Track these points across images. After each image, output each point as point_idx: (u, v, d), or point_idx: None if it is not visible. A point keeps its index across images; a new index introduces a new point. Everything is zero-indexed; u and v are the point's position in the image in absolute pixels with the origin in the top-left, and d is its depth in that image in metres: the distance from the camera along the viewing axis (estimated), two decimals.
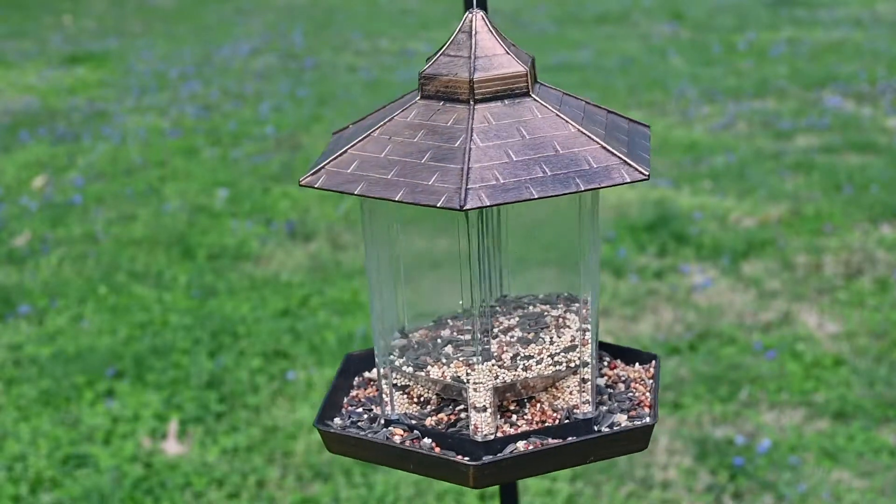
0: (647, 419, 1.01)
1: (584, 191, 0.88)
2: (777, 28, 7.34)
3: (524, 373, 1.01)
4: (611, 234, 3.82)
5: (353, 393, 1.11)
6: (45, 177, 4.75)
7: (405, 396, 1.04)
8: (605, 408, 1.05)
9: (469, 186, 0.85)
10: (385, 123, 0.93)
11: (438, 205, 0.84)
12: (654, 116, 5.36)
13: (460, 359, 1.00)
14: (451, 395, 1.03)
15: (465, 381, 0.99)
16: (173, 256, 3.82)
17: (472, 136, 0.89)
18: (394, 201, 0.87)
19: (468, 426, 1.00)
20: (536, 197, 0.86)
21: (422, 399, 1.04)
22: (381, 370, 1.03)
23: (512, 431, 1.00)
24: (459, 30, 0.95)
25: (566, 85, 6.02)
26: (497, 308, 1.06)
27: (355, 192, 0.88)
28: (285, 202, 4.33)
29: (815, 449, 2.59)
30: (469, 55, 0.93)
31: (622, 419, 1.02)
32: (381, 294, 1.02)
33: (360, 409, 1.08)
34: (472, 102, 0.92)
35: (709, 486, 2.46)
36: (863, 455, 2.56)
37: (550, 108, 0.94)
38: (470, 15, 0.96)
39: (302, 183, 0.90)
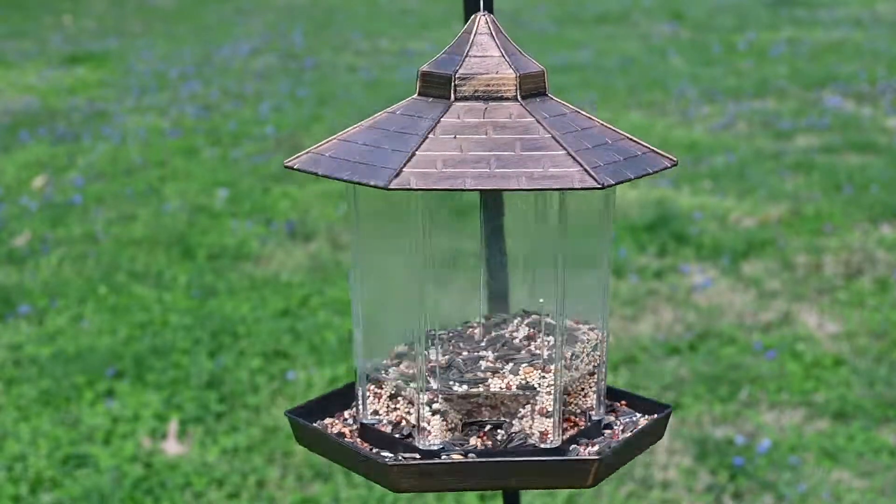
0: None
1: (651, 174, 0.91)
2: (777, 28, 7.34)
3: (574, 373, 1.00)
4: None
5: (349, 442, 1.05)
6: (45, 177, 4.76)
7: (443, 422, 1.00)
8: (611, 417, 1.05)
9: (590, 167, 0.87)
10: (436, 126, 0.92)
11: (577, 186, 0.86)
12: (654, 116, 5.36)
13: (527, 364, 0.97)
14: (478, 418, 1.01)
15: (537, 386, 0.97)
16: (173, 256, 3.82)
17: (546, 126, 0.91)
18: (519, 191, 0.87)
19: (526, 438, 0.98)
20: (633, 178, 0.90)
21: (453, 425, 1.01)
22: (424, 397, 0.98)
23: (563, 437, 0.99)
24: (476, 32, 0.96)
25: (566, 85, 6.02)
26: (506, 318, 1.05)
27: (468, 188, 0.87)
28: (285, 202, 4.33)
29: (815, 449, 2.59)
30: (502, 54, 0.94)
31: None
32: (420, 311, 0.98)
33: (372, 450, 1.02)
34: (519, 98, 0.93)
35: (709, 486, 2.46)
36: (863, 455, 2.56)
37: (571, 105, 0.97)
38: (481, 16, 0.97)
39: (392, 187, 0.86)
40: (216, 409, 2.83)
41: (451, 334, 1.04)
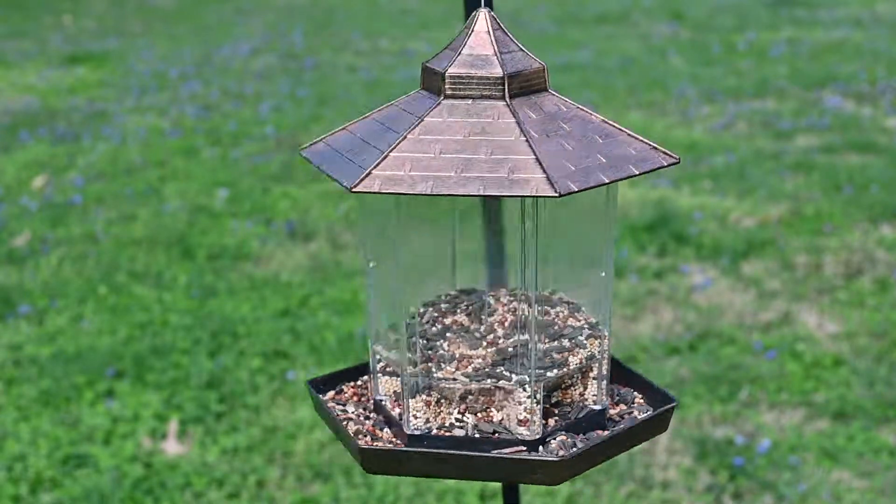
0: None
1: (638, 175, 0.91)
2: (777, 28, 7.34)
3: (562, 368, 1.02)
4: None
5: (343, 421, 1.07)
6: (45, 177, 4.76)
7: (427, 409, 1.02)
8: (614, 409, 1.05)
9: (552, 175, 0.86)
10: (417, 125, 0.93)
11: (533, 194, 0.86)
12: (654, 116, 5.36)
13: (510, 357, 0.99)
14: (469, 405, 1.02)
15: (518, 378, 0.99)
16: (173, 256, 3.82)
17: (524, 128, 0.91)
18: (479, 196, 0.87)
19: (507, 429, 1.00)
20: (607, 182, 0.90)
21: (441, 411, 1.03)
22: (410, 383, 1.00)
23: (546, 429, 1.00)
24: (474, 29, 0.96)
25: (566, 85, 6.02)
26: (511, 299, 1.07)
27: (425, 192, 0.88)
28: (285, 202, 4.33)
29: (815, 449, 2.59)
30: (495, 52, 0.95)
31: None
32: (406, 301, 1.00)
33: (374, 427, 1.05)
34: (507, 98, 0.93)
35: (709, 486, 2.46)
36: (863, 455, 2.56)
37: (571, 102, 0.97)
38: (481, 12, 0.97)
39: (355, 190, 0.89)
40: (216, 409, 2.83)
41: (447, 324, 1.06)
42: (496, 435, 1.00)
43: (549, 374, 1.00)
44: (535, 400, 0.99)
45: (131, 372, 3.01)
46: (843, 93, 5.65)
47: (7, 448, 2.69)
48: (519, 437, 0.99)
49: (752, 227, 3.90)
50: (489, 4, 1.01)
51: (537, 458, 0.95)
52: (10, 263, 3.82)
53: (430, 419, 1.01)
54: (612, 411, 1.06)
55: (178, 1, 9.33)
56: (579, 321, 1.05)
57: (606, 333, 1.05)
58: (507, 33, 0.97)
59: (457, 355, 1.01)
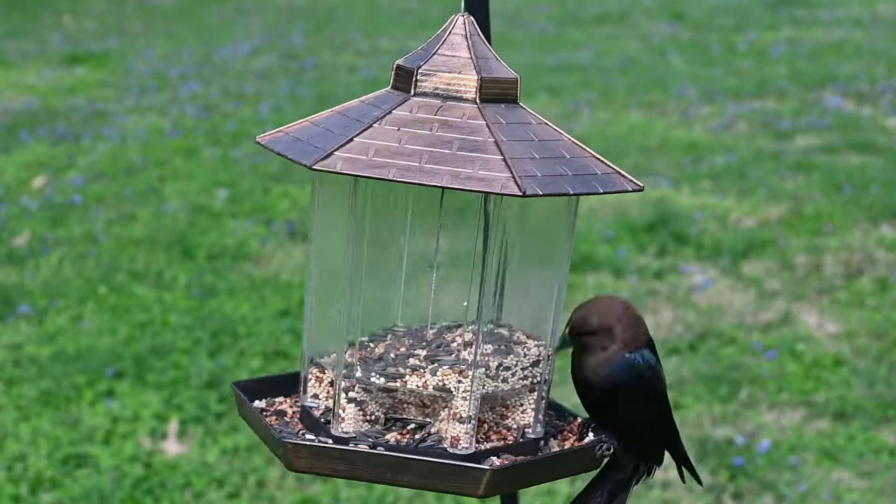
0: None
1: (602, 193, 0.91)
2: (777, 28, 7.34)
3: (502, 384, 0.98)
4: (610, 234, 3.82)
5: (268, 420, 1.05)
6: (45, 177, 4.76)
7: (360, 412, 0.99)
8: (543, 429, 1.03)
9: (519, 175, 0.86)
10: (385, 116, 0.93)
11: (498, 191, 0.85)
12: (654, 116, 5.36)
13: (448, 367, 0.96)
14: (402, 415, 1.00)
15: (453, 389, 0.96)
16: (173, 256, 3.82)
17: (493, 130, 0.90)
18: (438, 187, 0.87)
19: (440, 441, 0.97)
20: (573, 193, 0.89)
21: (373, 417, 1.00)
22: (343, 383, 0.98)
23: (480, 447, 0.97)
24: (451, 31, 0.96)
25: (566, 85, 6.03)
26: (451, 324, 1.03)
27: (389, 178, 0.87)
28: (285, 202, 4.33)
29: (815, 449, 2.59)
30: (470, 56, 0.94)
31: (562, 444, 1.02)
32: (347, 298, 0.98)
33: (284, 433, 1.02)
34: (477, 101, 0.93)
35: (709, 486, 2.46)
36: (863, 455, 2.56)
37: (541, 117, 0.97)
38: (460, 17, 0.97)
39: (315, 167, 0.88)
40: (216, 409, 2.83)
41: (406, 331, 1.03)
42: (427, 445, 0.97)
43: (488, 387, 0.98)
44: (470, 414, 0.96)
45: (131, 372, 3.01)
46: (843, 93, 5.65)
47: (7, 448, 2.69)
48: (451, 451, 0.97)
49: (752, 227, 3.90)
50: (485, 7, 1.01)
51: (466, 465, 0.92)
52: (10, 263, 3.82)
53: (362, 423, 0.99)
54: (552, 440, 1.04)
55: (178, 1, 9.33)
56: (528, 341, 1.02)
57: (551, 354, 1.01)
58: (484, 41, 0.97)
59: (405, 360, 0.98)
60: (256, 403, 1.07)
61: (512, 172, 0.86)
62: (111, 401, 2.89)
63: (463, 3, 1.03)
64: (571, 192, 0.89)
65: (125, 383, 2.97)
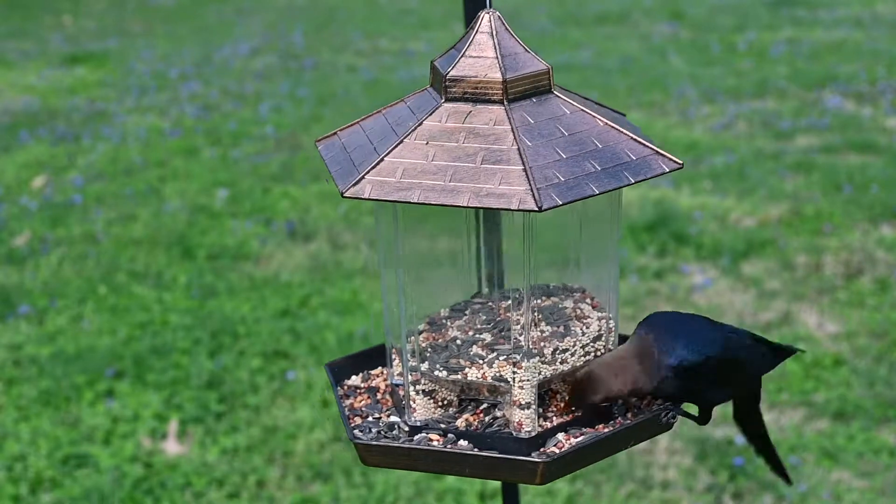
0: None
1: (633, 183, 0.90)
2: (777, 28, 7.34)
3: (561, 366, 1.01)
4: None
5: (347, 403, 1.10)
6: (45, 177, 4.76)
7: (430, 401, 1.04)
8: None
9: (538, 187, 0.86)
10: (415, 129, 0.93)
11: (516, 207, 0.86)
12: (654, 116, 5.36)
13: (502, 358, 0.99)
14: (476, 396, 1.03)
15: (510, 380, 0.99)
16: (173, 256, 3.82)
17: (518, 135, 0.90)
18: (460, 207, 0.88)
19: (506, 425, 1.00)
20: (597, 193, 0.88)
21: (445, 402, 1.04)
22: (410, 376, 1.02)
23: (548, 425, 1.00)
24: (478, 30, 0.96)
25: (566, 85, 6.02)
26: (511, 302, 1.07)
27: (414, 201, 0.88)
28: (285, 202, 4.33)
29: (815, 449, 2.59)
30: (496, 55, 0.94)
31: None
32: (403, 295, 1.01)
33: (370, 419, 1.06)
34: (505, 102, 0.93)
35: (709, 486, 2.46)
36: (863, 455, 2.56)
37: (576, 103, 0.96)
38: (485, 14, 0.97)
39: (346, 195, 0.90)
40: (216, 409, 2.83)
41: (454, 315, 1.06)
42: (493, 430, 1.00)
43: (545, 373, 1.00)
44: (530, 400, 0.99)
45: (131, 372, 3.01)
46: (843, 93, 5.65)
47: (7, 448, 2.69)
48: (515, 434, 0.99)
49: (752, 227, 3.90)
50: (488, 5, 1.01)
51: (523, 458, 0.95)
52: (10, 263, 3.82)
53: (434, 410, 1.03)
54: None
55: (178, 1, 9.33)
56: (592, 315, 1.05)
57: (614, 327, 1.05)
58: (512, 35, 0.97)
59: (468, 350, 1.01)
60: (353, 379, 1.13)
61: (531, 184, 0.86)
62: (111, 401, 2.89)
63: (463, 3, 1.03)
64: (596, 192, 0.88)
65: (125, 383, 2.96)
